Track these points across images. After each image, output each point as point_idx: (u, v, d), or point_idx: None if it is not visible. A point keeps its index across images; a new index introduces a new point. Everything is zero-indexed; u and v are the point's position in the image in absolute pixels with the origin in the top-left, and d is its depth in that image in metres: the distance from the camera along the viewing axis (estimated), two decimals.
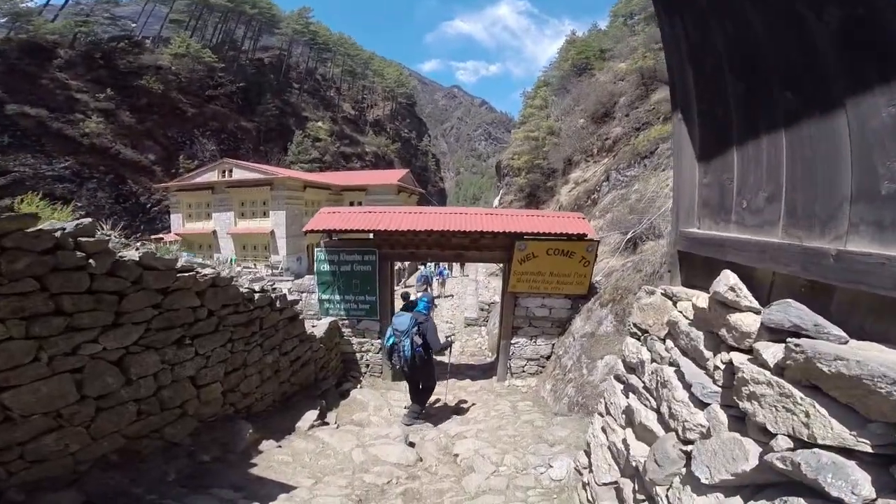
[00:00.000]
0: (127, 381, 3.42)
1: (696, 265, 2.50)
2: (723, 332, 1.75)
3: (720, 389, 1.72)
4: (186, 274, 3.93)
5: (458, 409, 6.58)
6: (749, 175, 2.07)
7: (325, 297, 7.55)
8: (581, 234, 7.09)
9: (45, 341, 2.81)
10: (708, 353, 1.85)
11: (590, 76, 25.47)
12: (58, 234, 2.81)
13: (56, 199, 4.76)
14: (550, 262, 7.13)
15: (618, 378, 2.83)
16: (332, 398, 6.42)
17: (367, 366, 8.04)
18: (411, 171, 44.99)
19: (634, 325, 2.70)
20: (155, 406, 3.69)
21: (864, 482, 1.06)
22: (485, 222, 7.04)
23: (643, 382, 2.37)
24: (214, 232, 29.59)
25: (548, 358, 7.63)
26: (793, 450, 1.26)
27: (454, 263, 23.72)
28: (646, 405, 2.25)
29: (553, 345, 7.57)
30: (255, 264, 28.29)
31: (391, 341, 5.79)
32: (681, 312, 2.18)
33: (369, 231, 7.05)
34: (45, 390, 2.82)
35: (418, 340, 5.61)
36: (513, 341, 7.63)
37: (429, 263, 20.22)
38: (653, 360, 2.35)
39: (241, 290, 4.68)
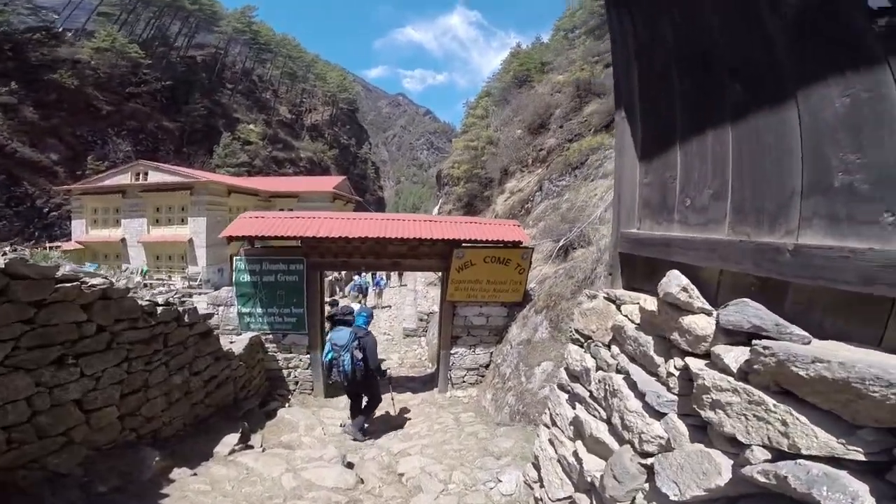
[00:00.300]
0: None
1: (637, 267, 2.43)
2: (675, 336, 1.64)
3: (676, 398, 1.60)
4: (68, 284, 3.34)
5: (400, 424, 6.27)
6: (693, 172, 2.01)
7: (245, 310, 6.90)
8: (516, 241, 7.10)
9: None
10: (659, 359, 1.73)
11: (530, 88, 26.19)
12: None
13: None
14: (488, 270, 7.07)
15: (561, 387, 2.69)
16: (255, 419, 5.89)
17: (297, 383, 7.48)
18: (349, 178, 43.81)
19: (576, 331, 2.58)
20: (30, 433, 3.14)
21: (864, 493, 0.96)
22: (423, 229, 6.81)
23: (590, 392, 2.23)
24: (123, 240, 26.57)
25: (487, 367, 7.52)
26: (771, 461, 1.15)
27: (392, 273, 23.28)
28: (595, 416, 2.11)
29: (491, 353, 7.48)
30: (170, 276, 25.91)
31: (329, 356, 5.58)
32: (626, 317, 2.07)
33: (297, 238, 6.53)
34: None
35: (358, 355, 5.47)
36: (452, 351, 7.44)
37: (364, 273, 19.67)
38: (598, 368, 2.22)
39: (139, 302, 4.13)
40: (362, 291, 17.31)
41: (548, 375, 5.63)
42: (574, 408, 2.37)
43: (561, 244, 8.68)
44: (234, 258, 6.73)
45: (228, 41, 65.25)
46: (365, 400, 5.96)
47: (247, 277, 6.73)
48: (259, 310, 6.89)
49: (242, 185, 29.89)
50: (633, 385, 1.81)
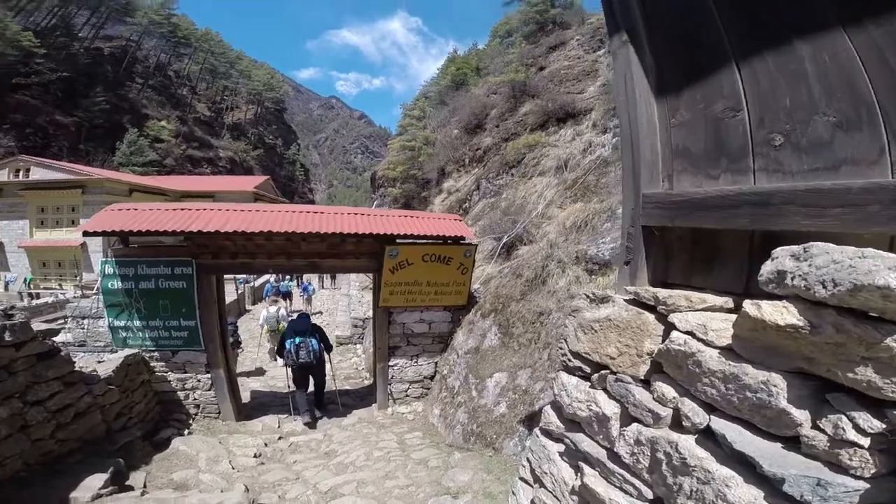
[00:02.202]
0: None
1: (676, 249, 1.61)
2: (866, 373, 0.80)
3: (866, 485, 0.77)
4: None
5: (330, 451, 5.16)
6: (780, 97, 1.23)
7: (119, 323, 5.42)
8: (458, 236, 6.19)
9: None
10: (800, 415, 0.89)
11: (466, 90, 26.13)
12: None
13: None
14: (427, 270, 6.11)
15: (548, 434, 1.80)
16: (137, 453, 4.75)
17: (198, 406, 6.08)
18: (276, 180, 41.06)
19: (575, 354, 1.70)
20: None
21: None
22: (347, 223, 5.64)
23: (612, 452, 1.37)
24: (1, 245, 23.09)
25: (432, 378, 6.60)
26: None
27: (324, 276, 21.62)
28: (629, 493, 1.25)
29: (436, 363, 6.57)
30: (60, 285, 22.46)
31: (298, 340, 5.99)
32: (692, 335, 1.22)
33: (180, 233, 5.14)
34: None
35: (317, 337, 6.13)
36: (391, 363, 6.41)
37: (288, 277, 17.96)
38: (633, 420, 1.35)
39: None
40: (280, 294, 15.68)
41: (502, 389, 4.82)
42: (579, 471, 1.48)
43: (504, 241, 7.97)
44: (100, 261, 5.24)
45: (143, 33, 58.81)
46: (313, 384, 6.47)
47: (117, 284, 5.26)
48: (137, 323, 5.46)
49: (147, 183, 26.68)
50: (736, 458, 0.96)
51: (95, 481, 3.70)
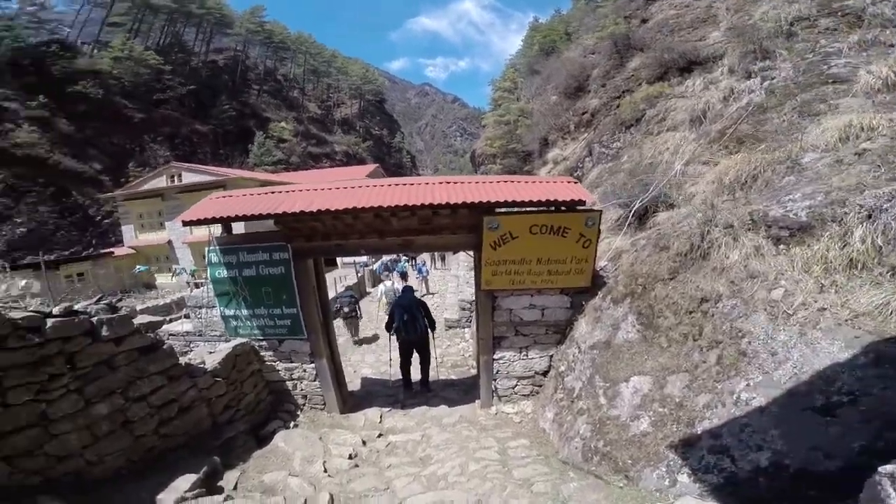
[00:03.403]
0: None
1: None
2: None
3: None
4: None
5: (425, 457, 4.67)
6: None
7: (229, 312, 5.47)
8: (576, 200, 4.99)
9: None
10: None
11: (558, 56, 24.23)
12: None
13: None
14: (537, 245, 5.09)
15: None
16: (239, 449, 4.68)
17: (305, 397, 6.03)
18: (385, 168, 42.86)
19: None
20: None
21: None
22: (437, 193, 4.89)
23: None
24: (170, 242, 27.09)
25: (544, 374, 5.67)
26: None
27: (435, 257, 21.79)
28: None
29: (551, 357, 5.61)
30: None
31: (405, 317, 6.40)
32: None
33: (270, 217, 4.83)
34: None
35: (421, 313, 6.54)
36: (496, 356, 5.62)
37: (400, 257, 18.30)
38: None
39: (9, 315, 3.02)
40: (389, 269, 15.97)
41: (643, 398, 3.71)
42: None
43: (636, 207, 6.54)
44: (206, 249, 5.26)
45: (245, 43, 65.44)
46: (422, 358, 6.86)
47: (223, 272, 5.26)
48: (244, 311, 5.45)
49: (274, 179, 29.60)
50: None
51: (184, 483, 3.62)
